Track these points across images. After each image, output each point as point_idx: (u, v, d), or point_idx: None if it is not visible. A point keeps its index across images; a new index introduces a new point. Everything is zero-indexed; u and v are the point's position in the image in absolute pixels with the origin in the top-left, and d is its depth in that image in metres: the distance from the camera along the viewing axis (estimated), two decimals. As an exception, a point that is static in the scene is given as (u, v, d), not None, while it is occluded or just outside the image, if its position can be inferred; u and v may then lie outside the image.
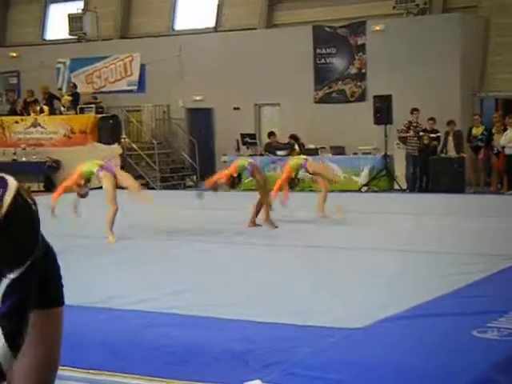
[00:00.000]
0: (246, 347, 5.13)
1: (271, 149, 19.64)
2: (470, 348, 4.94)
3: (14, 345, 2.21)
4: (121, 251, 9.50)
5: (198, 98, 21.61)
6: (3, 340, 2.21)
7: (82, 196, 10.56)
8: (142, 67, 22.48)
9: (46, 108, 21.34)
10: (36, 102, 21.87)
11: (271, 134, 19.93)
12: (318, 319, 5.82)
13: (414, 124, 17.91)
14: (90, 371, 4.46)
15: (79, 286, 6.08)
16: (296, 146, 19.41)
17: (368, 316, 5.83)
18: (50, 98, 21.87)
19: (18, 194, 2.22)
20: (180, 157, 21.72)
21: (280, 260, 8.86)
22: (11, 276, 2.18)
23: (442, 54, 18.56)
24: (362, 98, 19.96)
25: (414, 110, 17.87)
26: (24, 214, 2.23)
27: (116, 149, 19.93)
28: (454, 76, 18.61)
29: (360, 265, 8.37)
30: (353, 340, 5.28)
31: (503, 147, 17.06)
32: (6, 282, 2.17)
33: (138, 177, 20.15)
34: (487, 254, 8.65)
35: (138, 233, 11.21)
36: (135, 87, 22.63)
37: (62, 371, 4.52)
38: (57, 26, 24.32)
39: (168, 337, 5.42)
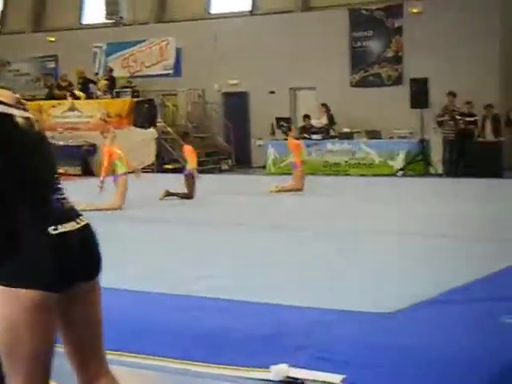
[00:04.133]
0: (275, 331, 5.12)
1: (306, 132, 19.56)
2: (499, 334, 4.89)
3: None
4: (150, 234, 9.55)
5: (233, 81, 21.58)
6: None
7: None
8: (178, 51, 22.50)
9: (80, 94, 21.47)
10: (70, 85, 22.02)
11: (306, 117, 19.86)
12: (346, 304, 5.79)
13: (450, 108, 17.69)
14: (116, 353, 4.50)
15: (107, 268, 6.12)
16: (331, 131, 19.33)
17: (398, 301, 5.79)
18: (86, 82, 21.99)
19: None
20: (215, 141, 21.73)
21: (308, 245, 8.81)
22: None
23: (481, 37, 18.26)
24: (398, 81, 19.78)
25: (450, 94, 17.64)
26: None
27: (151, 132, 20.00)
28: (492, 59, 18.33)
29: (390, 250, 8.31)
30: (381, 325, 5.24)
31: (543, 131, 16.80)
32: None
33: (173, 161, 20.25)
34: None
35: (172, 216, 11.26)
36: (171, 71, 22.67)
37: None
38: (94, 10, 24.42)
39: (196, 319, 5.44)
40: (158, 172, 19.64)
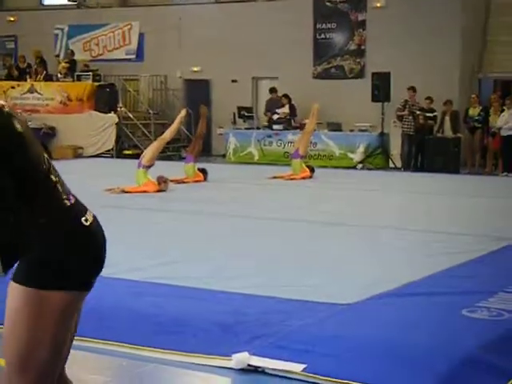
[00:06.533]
0: (235, 319, 5.13)
1: (272, 107, 19.53)
2: (459, 327, 4.95)
3: None
4: (111, 220, 9.47)
5: (195, 69, 21.49)
6: None
7: None
8: (141, 36, 22.33)
9: (40, 70, 21.21)
10: (29, 67, 21.74)
11: (273, 91, 19.83)
12: (308, 294, 5.82)
13: (410, 103, 17.84)
14: (77, 337, 4.42)
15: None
16: (292, 122, 19.38)
17: (358, 292, 5.84)
18: (42, 63, 21.68)
19: None
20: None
21: (270, 232, 8.85)
22: None
23: (442, 33, 18.45)
24: (360, 74, 19.88)
25: (410, 89, 17.78)
26: None
27: (112, 117, 19.83)
28: (453, 55, 18.52)
29: (351, 241, 8.37)
30: (342, 315, 5.28)
31: (499, 128, 17.02)
32: None
33: (133, 146, 20.14)
34: (478, 235, 8.66)
35: (128, 202, 11.18)
36: (133, 56, 22.48)
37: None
38: (56, -9, 24.11)
39: (157, 307, 5.41)
40: (117, 157, 19.53)
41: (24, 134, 2.49)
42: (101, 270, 2.61)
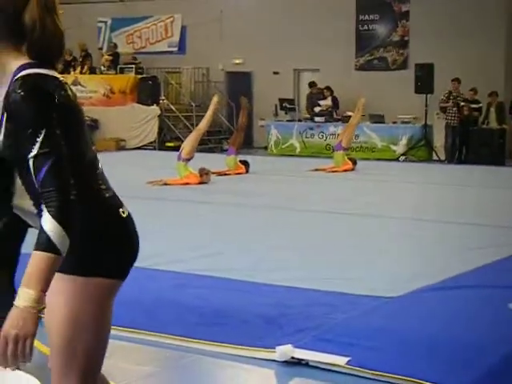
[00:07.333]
0: (278, 312, 5.12)
1: (313, 101, 19.47)
2: (506, 320, 4.89)
3: (62, 219, 2.25)
4: (153, 212, 9.54)
5: (237, 61, 21.50)
6: (50, 217, 2.26)
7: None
8: (183, 29, 22.41)
9: (87, 63, 21.43)
10: (74, 60, 21.95)
11: (312, 85, 19.74)
12: (352, 287, 5.79)
13: (454, 94, 17.63)
14: (121, 328, 4.45)
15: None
16: (334, 114, 19.29)
17: (402, 286, 5.79)
18: (87, 56, 21.88)
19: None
20: (218, 120, 21.66)
21: (311, 225, 8.83)
22: (32, 155, 2.28)
23: (487, 23, 18.19)
24: (403, 66, 19.71)
25: (454, 80, 17.58)
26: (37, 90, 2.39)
27: (155, 110, 19.95)
28: (498, 46, 18.26)
29: (393, 234, 8.32)
30: (386, 308, 5.24)
31: (546, 120, 16.76)
32: (30, 162, 2.28)
33: (175, 139, 20.23)
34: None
35: (170, 194, 11.23)
36: (175, 49, 22.58)
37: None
38: (99, -16, 24.27)
39: (200, 298, 5.42)
40: (159, 149, 19.65)
41: (82, 112, 2.55)
42: (135, 261, 2.62)
